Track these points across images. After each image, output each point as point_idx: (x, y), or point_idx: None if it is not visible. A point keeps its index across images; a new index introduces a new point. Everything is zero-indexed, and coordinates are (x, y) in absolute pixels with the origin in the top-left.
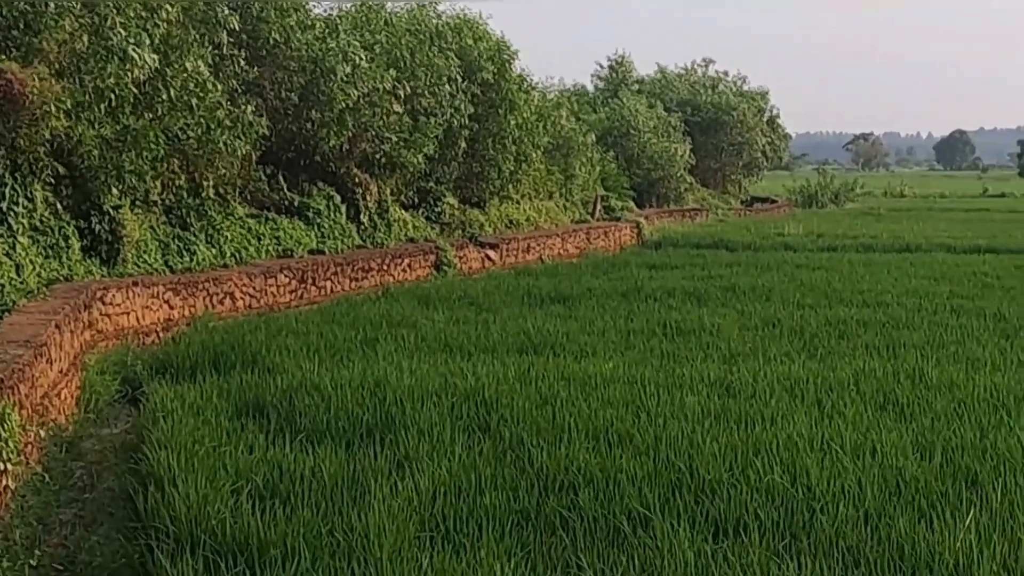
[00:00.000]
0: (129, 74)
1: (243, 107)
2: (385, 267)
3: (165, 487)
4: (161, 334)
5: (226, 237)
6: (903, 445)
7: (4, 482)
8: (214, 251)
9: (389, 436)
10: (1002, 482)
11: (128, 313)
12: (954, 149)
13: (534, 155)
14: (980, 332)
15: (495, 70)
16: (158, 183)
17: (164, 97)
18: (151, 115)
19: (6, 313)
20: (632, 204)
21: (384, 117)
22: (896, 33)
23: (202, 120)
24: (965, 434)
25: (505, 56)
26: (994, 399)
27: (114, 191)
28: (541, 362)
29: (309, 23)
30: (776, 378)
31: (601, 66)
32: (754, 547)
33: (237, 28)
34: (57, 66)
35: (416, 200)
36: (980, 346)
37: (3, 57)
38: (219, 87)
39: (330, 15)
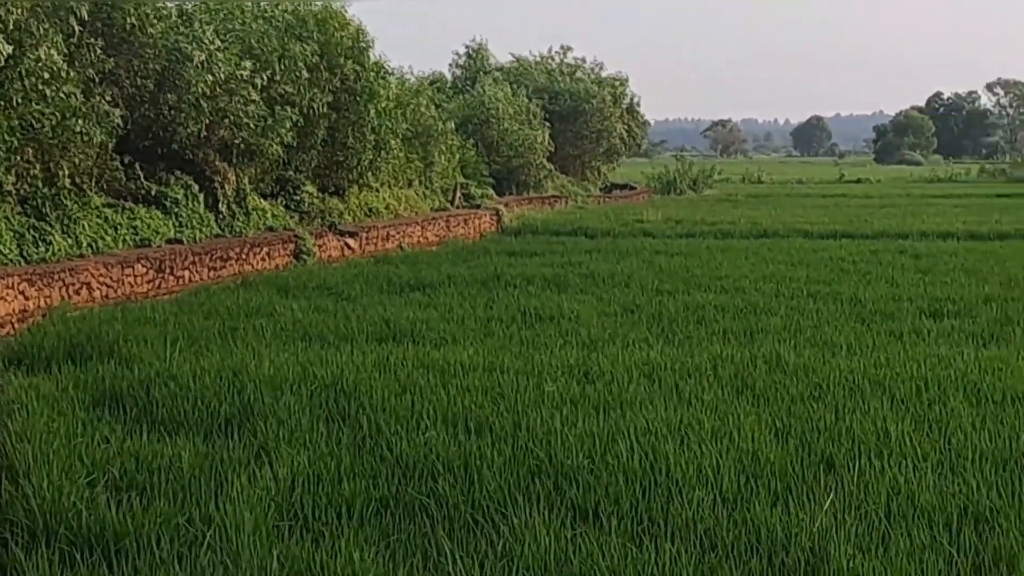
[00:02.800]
0: None
1: (99, 96)
2: (244, 256)
3: (19, 480)
4: (16, 325)
5: (82, 227)
6: (760, 429)
7: None
8: (70, 241)
9: (248, 425)
10: (857, 464)
11: None
12: (811, 135)
13: (393, 143)
14: (836, 316)
15: (354, 59)
16: (12, 173)
17: (18, 86)
18: (4, 104)
19: None
20: (492, 192)
21: (242, 105)
22: (753, 20)
23: (56, 109)
24: (821, 418)
25: (364, 45)
26: (849, 383)
27: None
28: (400, 350)
29: (165, 12)
30: (634, 364)
31: (459, 54)
32: (612, 531)
33: (87, 17)
34: None
35: (275, 189)
36: (836, 330)
37: None
38: (73, 75)
39: (183, 6)
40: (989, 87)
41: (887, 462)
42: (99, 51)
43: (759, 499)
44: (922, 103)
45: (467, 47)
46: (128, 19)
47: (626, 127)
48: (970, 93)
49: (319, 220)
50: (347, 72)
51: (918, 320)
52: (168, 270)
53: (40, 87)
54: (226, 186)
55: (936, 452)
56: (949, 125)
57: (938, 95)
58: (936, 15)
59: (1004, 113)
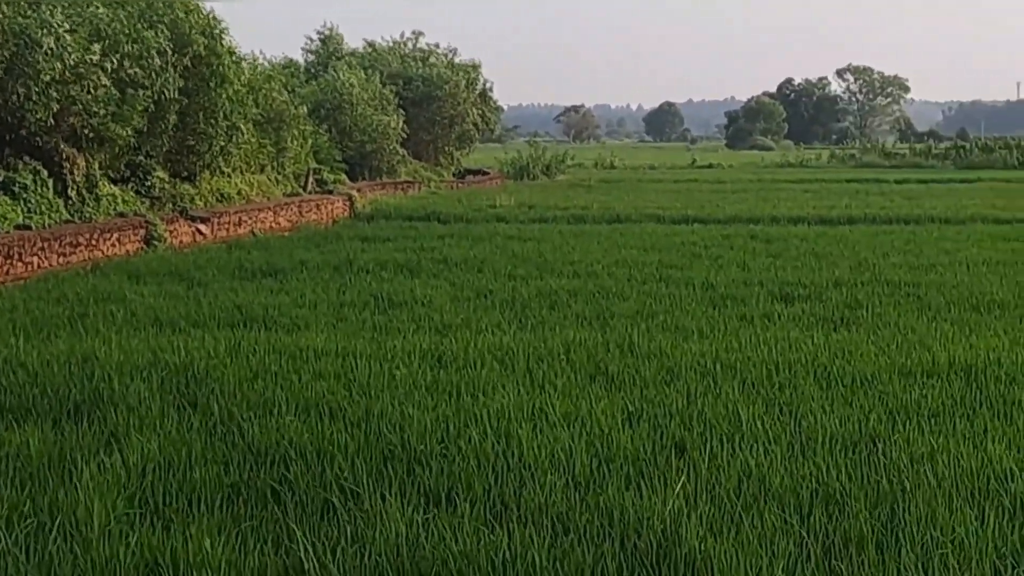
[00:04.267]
0: None
1: None
2: (94, 242)
3: None
4: None
5: None
6: (613, 413)
7: None
8: None
9: (97, 412)
10: (708, 448)
11: None
12: (663, 121)
13: (245, 128)
14: (688, 301)
15: (205, 44)
16: None
17: None
18: None
19: None
20: (345, 177)
21: (92, 91)
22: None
23: None
24: (673, 402)
25: (216, 30)
26: (701, 367)
27: None
28: (252, 336)
29: None
30: (487, 349)
31: (311, 39)
32: (465, 516)
33: None
34: None
35: (126, 174)
36: (688, 315)
37: None
38: None
39: None
40: (839, 73)
41: (738, 445)
42: None
43: (612, 483)
44: (773, 89)
45: (319, 32)
46: None
47: (479, 112)
48: (820, 79)
49: (171, 206)
50: (198, 57)
51: (769, 304)
52: (16, 256)
53: None
54: (76, 172)
55: (787, 435)
56: (800, 111)
57: (789, 81)
58: (788, 2)
59: (854, 99)
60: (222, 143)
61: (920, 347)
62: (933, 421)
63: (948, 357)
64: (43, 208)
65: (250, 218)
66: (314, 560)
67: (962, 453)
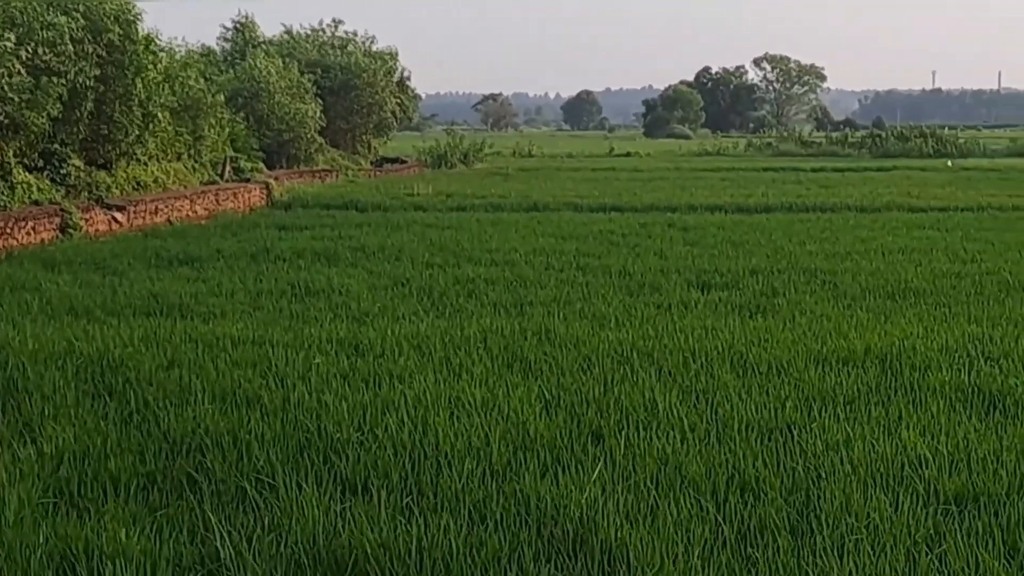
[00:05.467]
0: None
1: None
2: (8, 231)
3: None
4: None
5: None
6: (530, 401)
7: None
8: None
9: (11, 401)
10: (625, 435)
11: None
12: (581, 109)
13: (161, 116)
14: (605, 289)
15: (121, 31)
16: None
17: None
18: None
19: None
20: (262, 165)
21: (7, 78)
22: None
23: None
24: (590, 389)
25: (131, 17)
26: (618, 355)
27: None
28: (169, 324)
29: None
30: (404, 337)
31: (227, 28)
32: (381, 504)
33: None
34: None
35: (41, 163)
36: (605, 303)
37: None
38: None
39: None
40: (756, 62)
41: (655, 433)
42: None
43: (528, 470)
44: (691, 78)
45: (235, 21)
46: None
47: (397, 101)
48: (738, 68)
49: (86, 194)
50: (114, 45)
51: (686, 292)
52: None
53: None
54: None
55: (703, 422)
56: (717, 99)
57: (706, 70)
58: None
59: (771, 88)
60: (138, 131)
61: (836, 334)
62: (848, 408)
63: (863, 344)
64: None
65: (167, 206)
66: (230, 549)
67: (877, 440)
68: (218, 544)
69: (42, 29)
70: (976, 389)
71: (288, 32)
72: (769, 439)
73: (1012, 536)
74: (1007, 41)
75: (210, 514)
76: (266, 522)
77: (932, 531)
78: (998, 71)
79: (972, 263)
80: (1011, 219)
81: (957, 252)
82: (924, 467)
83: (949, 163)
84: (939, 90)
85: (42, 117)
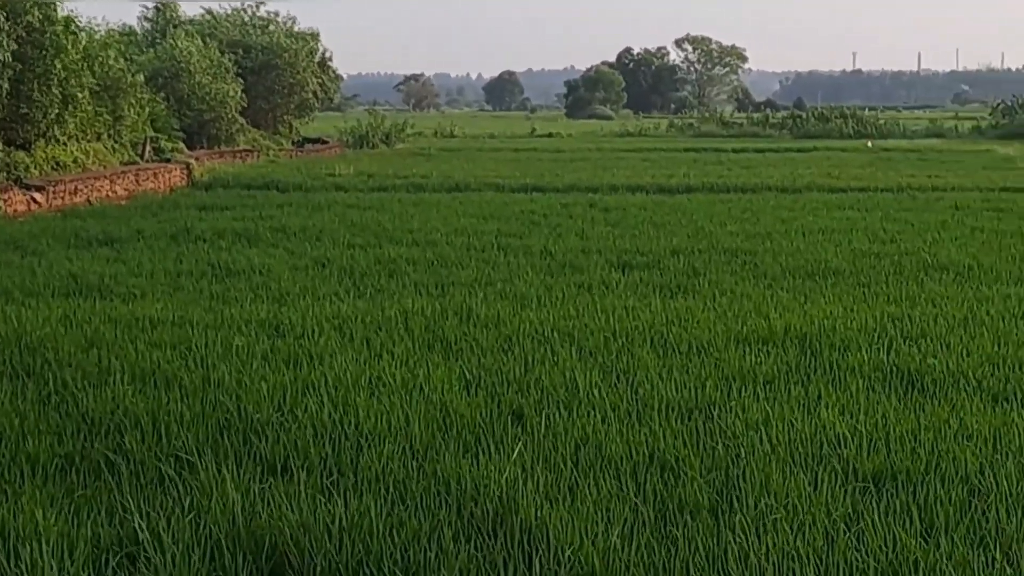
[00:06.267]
0: None
1: None
2: None
3: None
4: None
5: None
6: (450, 381)
7: None
8: None
9: None
10: (545, 415)
11: None
12: (503, 90)
13: (81, 97)
14: (526, 269)
15: (40, 14)
16: None
17: None
18: None
19: None
20: (183, 146)
21: None
22: None
23: None
24: (511, 369)
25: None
26: (539, 334)
27: None
28: (88, 305)
29: None
30: (325, 317)
31: (147, 7)
32: (301, 484)
33: None
34: None
35: None
36: (526, 283)
37: None
38: None
39: None
40: (678, 43)
41: (575, 413)
42: None
43: (449, 451)
44: (612, 59)
45: (155, 0)
46: None
47: (319, 81)
48: (659, 49)
49: (4, 174)
50: (33, 27)
51: (607, 272)
52: None
53: None
54: None
55: (624, 402)
56: (639, 80)
57: (628, 51)
58: None
59: (692, 69)
60: (57, 111)
61: (756, 314)
62: (768, 388)
63: (783, 324)
64: None
65: (86, 187)
66: (148, 531)
67: (796, 419)
68: (136, 526)
69: None
70: (895, 368)
71: (209, 12)
72: (689, 419)
73: (929, 514)
74: (927, 23)
75: (128, 496)
76: (185, 503)
77: (850, 509)
78: (918, 53)
79: (891, 243)
80: (930, 199)
81: (876, 232)
82: (843, 446)
83: (869, 144)
84: (860, 71)
85: None
